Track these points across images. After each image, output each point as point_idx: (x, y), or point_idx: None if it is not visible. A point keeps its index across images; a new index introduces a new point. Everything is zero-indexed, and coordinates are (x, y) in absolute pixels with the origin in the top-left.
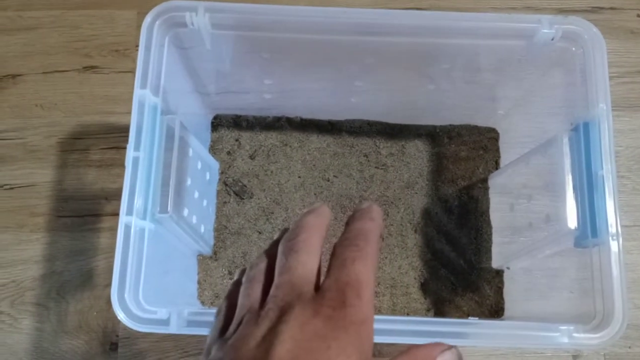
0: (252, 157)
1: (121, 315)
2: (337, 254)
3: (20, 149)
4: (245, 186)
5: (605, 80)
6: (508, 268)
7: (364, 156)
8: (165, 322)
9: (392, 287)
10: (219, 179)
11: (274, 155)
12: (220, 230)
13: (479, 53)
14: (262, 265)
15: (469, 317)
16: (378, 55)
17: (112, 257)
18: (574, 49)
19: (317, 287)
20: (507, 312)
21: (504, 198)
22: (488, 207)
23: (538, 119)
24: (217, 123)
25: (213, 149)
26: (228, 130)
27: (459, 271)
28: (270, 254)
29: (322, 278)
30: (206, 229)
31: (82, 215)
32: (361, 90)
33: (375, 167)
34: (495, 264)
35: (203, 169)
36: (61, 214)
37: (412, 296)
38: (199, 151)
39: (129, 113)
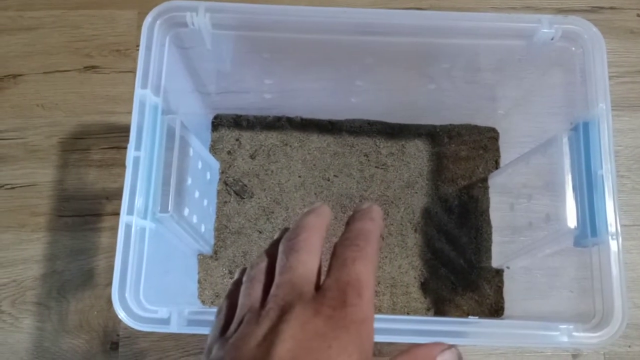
0: (252, 157)
1: (122, 315)
2: (338, 253)
3: (21, 149)
4: (246, 186)
5: (605, 80)
6: (508, 267)
7: (364, 156)
8: (166, 322)
9: (392, 287)
10: (220, 179)
11: (274, 154)
12: (221, 229)
13: (479, 53)
14: (263, 264)
15: (469, 317)
16: (378, 55)
17: (113, 256)
18: (573, 48)
19: (318, 287)
20: (507, 312)
21: (504, 197)
22: (488, 207)
23: (538, 118)
24: (218, 123)
25: (213, 149)
26: (228, 130)
27: (459, 270)
28: (271, 254)
29: (322, 278)
30: (207, 228)
31: (83, 215)
32: (361, 90)
33: (376, 167)
34: (495, 263)
35: (203, 168)
36: (62, 213)
37: (412, 295)
38: (199, 151)
39: (130, 113)
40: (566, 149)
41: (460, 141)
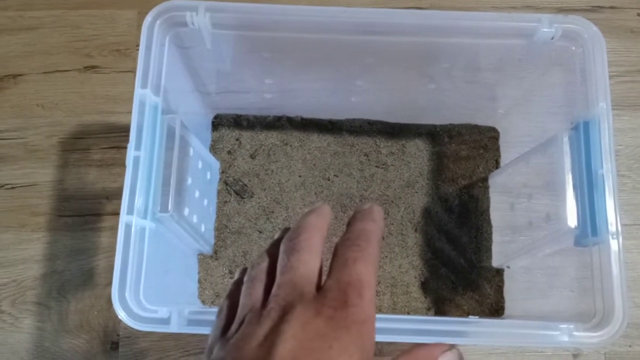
0: (252, 157)
1: (122, 315)
2: (339, 254)
3: (22, 149)
4: (246, 185)
5: (605, 79)
6: (508, 267)
7: (364, 155)
8: (166, 321)
9: (393, 286)
10: (220, 178)
11: (274, 154)
12: (221, 229)
13: (479, 52)
14: (264, 264)
15: (469, 316)
16: (378, 54)
17: (113, 256)
18: (573, 48)
19: (319, 287)
20: (507, 311)
21: (504, 197)
22: (488, 206)
23: (538, 118)
24: (218, 122)
25: (214, 149)
26: (229, 130)
27: (459, 270)
28: (272, 254)
29: (323, 278)
30: (207, 228)
31: (83, 215)
32: (361, 89)
33: (376, 167)
34: (496, 262)
35: (204, 168)
36: (62, 213)
37: (413, 295)
38: (199, 150)
39: (130, 113)
40: (566, 148)
41: (461, 141)
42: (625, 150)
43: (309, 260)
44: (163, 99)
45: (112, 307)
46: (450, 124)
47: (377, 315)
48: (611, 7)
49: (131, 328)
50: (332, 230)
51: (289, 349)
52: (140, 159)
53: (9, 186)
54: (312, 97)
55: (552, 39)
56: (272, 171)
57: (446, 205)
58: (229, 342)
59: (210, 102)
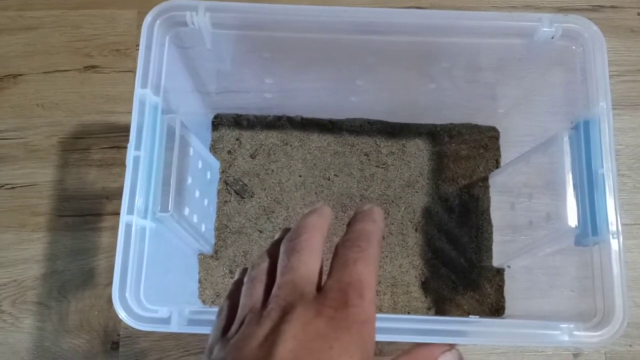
0: (252, 156)
1: (122, 314)
2: (339, 254)
3: (22, 149)
4: (246, 185)
5: (605, 79)
6: (509, 266)
7: (364, 155)
8: (166, 321)
9: (393, 286)
10: (220, 178)
11: (274, 154)
12: (221, 229)
13: (479, 52)
14: (264, 265)
15: (470, 316)
16: (379, 54)
17: (113, 256)
18: (574, 47)
19: (319, 287)
20: (507, 311)
21: (504, 197)
22: (489, 206)
23: (538, 117)
24: (218, 122)
25: (214, 148)
26: (229, 130)
27: (459, 270)
28: (272, 254)
29: (323, 278)
30: (207, 228)
31: (83, 215)
32: (362, 89)
33: (376, 166)
34: (496, 262)
35: (204, 168)
36: (62, 213)
37: (413, 295)
38: (199, 150)
39: (130, 112)
40: (567, 147)
41: (461, 140)
42: (625, 150)
43: (309, 261)
44: (163, 99)
45: (113, 306)
46: (451, 124)
47: (378, 315)
48: (611, 7)
49: (131, 328)
50: (333, 230)
51: (290, 349)
52: (141, 159)
53: (9, 186)
54: (313, 97)
55: (552, 38)
56: (273, 171)
57: (446, 204)
58: (230, 342)
59: (211, 102)
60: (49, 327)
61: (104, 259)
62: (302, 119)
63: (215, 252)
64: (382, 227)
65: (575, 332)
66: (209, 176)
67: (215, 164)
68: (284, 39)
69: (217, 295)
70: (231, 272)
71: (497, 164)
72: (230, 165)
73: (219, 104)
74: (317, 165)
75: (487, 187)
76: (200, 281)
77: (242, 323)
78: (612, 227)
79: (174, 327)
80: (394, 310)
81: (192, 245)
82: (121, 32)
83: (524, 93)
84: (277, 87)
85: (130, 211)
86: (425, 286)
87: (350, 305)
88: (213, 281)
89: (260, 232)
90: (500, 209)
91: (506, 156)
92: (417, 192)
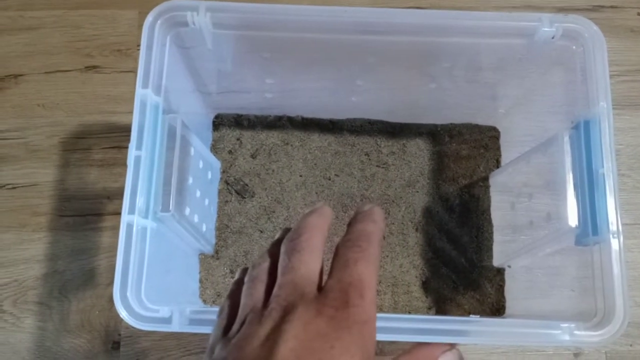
0: (253, 156)
1: (123, 314)
2: (340, 254)
3: (22, 149)
4: (247, 185)
5: (605, 79)
6: (509, 266)
7: (365, 155)
8: (167, 321)
9: (394, 286)
10: (221, 178)
11: (275, 154)
12: (222, 229)
13: (480, 52)
14: (265, 264)
15: (470, 315)
16: (379, 54)
17: (114, 256)
18: (574, 47)
19: (320, 287)
20: (508, 310)
21: (504, 196)
22: (489, 206)
23: (539, 117)
24: (219, 122)
25: (214, 148)
26: (229, 130)
27: (460, 269)
28: (273, 254)
29: (324, 278)
30: (208, 227)
31: (84, 215)
32: (362, 89)
33: (377, 166)
34: (497, 262)
35: (204, 168)
36: (63, 213)
37: (414, 294)
38: (200, 150)
39: (131, 112)
40: (567, 147)
41: (461, 140)
42: (625, 150)
43: (310, 261)
44: (164, 99)
45: (114, 306)
46: (451, 124)
47: (378, 315)
48: (612, 7)
49: (132, 327)
50: (333, 230)
51: (291, 349)
52: (142, 159)
53: (10, 186)
54: (313, 97)
55: (552, 38)
56: (273, 171)
57: (447, 204)
58: (231, 342)
59: (211, 102)
60: (50, 327)
61: (105, 259)
62: (303, 118)
63: (216, 251)
64: (383, 227)
65: (576, 332)
66: (209, 176)
67: (216, 163)
68: (285, 39)
69: (218, 295)
70: (232, 272)
71: (497, 164)
72: (231, 165)
73: (220, 104)
74: (318, 165)
75: (487, 187)
76: (201, 281)
77: (243, 323)
78: (613, 227)
79: (175, 327)
80: (395, 309)
81: (193, 245)
82: (122, 32)
83: (524, 93)
84: (278, 87)
85: (132, 211)
86: (425, 286)
87: (351, 305)
88: (214, 281)
89: (261, 232)
90: (501, 209)
91: (506, 156)
92: (417, 191)
